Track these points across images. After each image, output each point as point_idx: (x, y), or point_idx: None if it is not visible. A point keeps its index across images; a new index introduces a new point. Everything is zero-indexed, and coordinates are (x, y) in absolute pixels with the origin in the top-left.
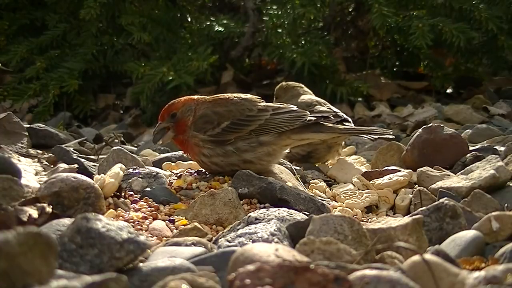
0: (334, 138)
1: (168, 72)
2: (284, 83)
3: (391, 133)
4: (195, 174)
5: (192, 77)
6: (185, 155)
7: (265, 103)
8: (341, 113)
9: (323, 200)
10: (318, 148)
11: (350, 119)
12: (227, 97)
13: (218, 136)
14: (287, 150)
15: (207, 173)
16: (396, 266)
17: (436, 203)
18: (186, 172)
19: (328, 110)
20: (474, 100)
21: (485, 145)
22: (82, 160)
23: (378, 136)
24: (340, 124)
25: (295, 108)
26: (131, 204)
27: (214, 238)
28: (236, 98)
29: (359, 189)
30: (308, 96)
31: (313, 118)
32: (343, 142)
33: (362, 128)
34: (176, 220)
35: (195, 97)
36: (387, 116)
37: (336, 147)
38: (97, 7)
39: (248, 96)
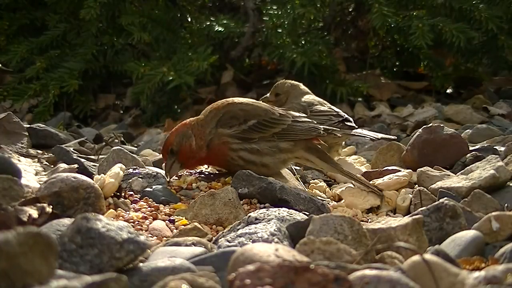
0: (335, 138)
1: (168, 72)
2: (286, 81)
3: (381, 192)
4: (195, 174)
5: (192, 77)
6: (210, 168)
7: (280, 110)
8: (342, 113)
9: (323, 200)
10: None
11: (351, 119)
12: (245, 101)
13: (244, 133)
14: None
15: (207, 173)
16: (396, 266)
17: (436, 203)
18: (186, 172)
19: (329, 110)
20: (474, 100)
21: (485, 145)
22: (82, 160)
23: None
24: (342, 124)
25: (308, 119)
26: (131, 204)
27: (214, 238)
28: (253, 103)
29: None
30: (310, 96)
31: (327, 128)
32: (343, 142)
33: (362, 179)
34: (176, 220)
35: (188, 120)
36: (387, 116)
37: (336, 147)
38: (97, 7)
39: (260, 103)
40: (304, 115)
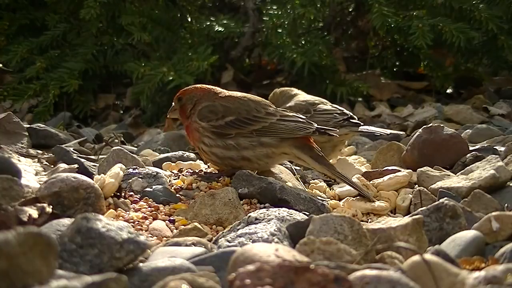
0: (341, 136)
1: (169, 72)
2: (277, 89)
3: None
4: (195, 174)
5: (192, 77)
6: (210, 168)
7: (277, 109)
8: (346, 111)
9: (323, 200)
10: (324, 146)
11: (355, 117)
12: (239, 96)
13: (219, 128)
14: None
15: (206, 173)
16: (396, 266)
17: (436, 203)
18: (186, 172)
19: (333, 108)
20: (474, 100)
21: (485, 145)
22: (82, 160)
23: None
24: (347, 122)
25: (303, 119)
26: (131, 204)
27: (214, 238)
28: (246, 98)
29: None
30: (308, 96)
31: (314, 132)
32: (347, 142)
33: (355, 182)
34: (176, 220)
35: (207, 87)
36: (387, 116)
37: (340, 145)
38: (97, 7)
39: (259, 99)
40: (301, 116)
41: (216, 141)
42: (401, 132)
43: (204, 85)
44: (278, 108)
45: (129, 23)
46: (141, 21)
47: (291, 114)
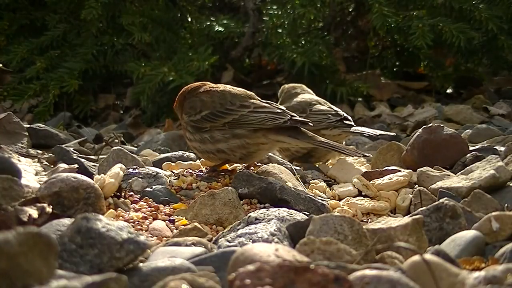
0: (334, 136)
1: (169, 72)
2: (286, 85)
3: (366, 154)
4: (194, 174)
5: (193, 77)
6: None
7: (253, 101)
8: (341, 112)
9: (323, 200)
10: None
11: (350, 118)
12: (220, 89)
13: (197, 122)
14: (274, 151)
15: (206, 173)
16: (396, 266)
17: (436, 203)
18: (186, 172)
19: (328, 109)
20: (474, 100)
21: (485, 145)
22: (82, 160)
23: (356, 154)
24: (340, 122)
25: (278, 110)
26: (131, 204)
27: (214, 238)
28: (225, 91)
29: (366, 195)
30: (308, 95)
31: (286, 123)
32: (343, 142)
33: (336, 145)
34: (176, 220)
35: (199, 83)
36: (387, 116)
37: None
38: (98, 7)
39: (241, 91)
40: (278, 107)
41: (194, 135)
42: (392, 133)
43: (197, 83)
44: (259, 100)
45: (130, 23)
46: (142, 21)
47: (265, 105)
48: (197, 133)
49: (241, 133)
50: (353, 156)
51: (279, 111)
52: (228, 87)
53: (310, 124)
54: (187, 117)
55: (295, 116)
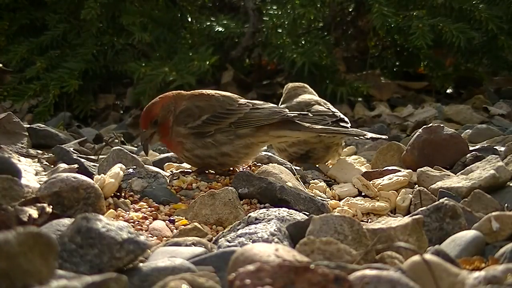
0: (330, 137)
1: (170, 72)
2: (290, 84)
3: (367, 135)
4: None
5: (194, 77)
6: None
7: (246, 100)
8: (338, 113)
9: (323, 200)
10: (316, 147)
11: (347, 119)
12: (208, 93)
13: (198, 128)
14: (265, 147)
15: (206, 173)
16: (396, 266)
17: (436, 203)
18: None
19: (326, 110)
20: (474, 100)
21: (485, 145)
22: (82, 160)
23: (356, 136)
24: (336, 124)
25: (274, 105)
26: (131, 204)
27: (214, 238)
28: (217, 94)
29: (366, 195)
30: (309, 95)
31: (292, 115)
32: (343, 142)
33: (337, 129)
34: (176, 220)
35: (171, 93)
36: (387, 116)
37: (335, 147)
38: (97, 8)
39: (228, 93)
40: (271, 104)
41: (196, 143)
42: (383, 136)
43: (166, 94)
44: (249, 101)
45: (130, 23)
46: (142, 21)
47: (261, 102)
48: (199, 140)
49: (245, 132)
50: (358, 137)
51: (275, 106)
52: (212, 92)
53: (309, 115)
54: (184, 127)
55: (290, 113)
